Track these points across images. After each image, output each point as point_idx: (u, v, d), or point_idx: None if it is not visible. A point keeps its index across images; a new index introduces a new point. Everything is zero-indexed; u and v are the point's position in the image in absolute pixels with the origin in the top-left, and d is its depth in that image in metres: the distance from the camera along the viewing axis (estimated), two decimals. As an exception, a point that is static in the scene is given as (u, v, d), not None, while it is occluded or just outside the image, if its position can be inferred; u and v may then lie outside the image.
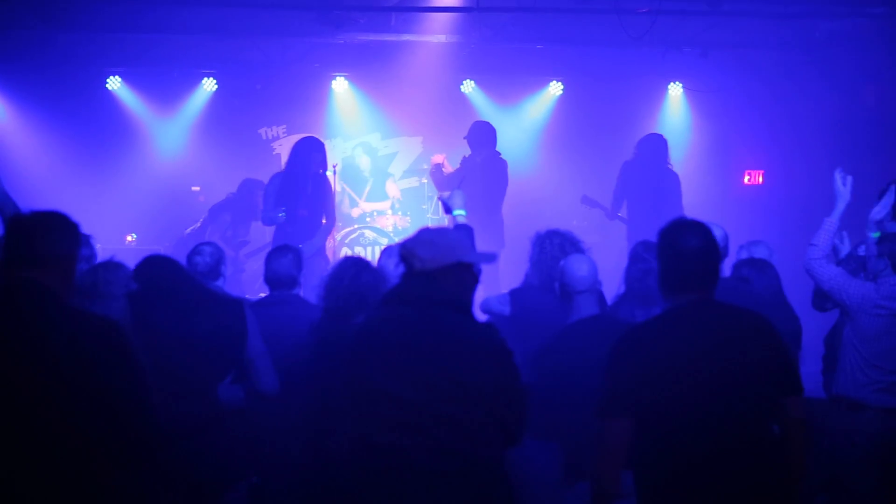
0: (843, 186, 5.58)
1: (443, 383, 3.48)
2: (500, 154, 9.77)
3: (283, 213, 8.45)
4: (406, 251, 3.68)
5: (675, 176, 10.27)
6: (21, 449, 3.04)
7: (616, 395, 3.64)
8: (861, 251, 5.71)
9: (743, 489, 3.57)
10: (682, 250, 3.73)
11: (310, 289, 5.51)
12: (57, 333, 3.12)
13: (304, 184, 8.63)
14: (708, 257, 3.76)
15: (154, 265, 4.51)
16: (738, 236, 6.23)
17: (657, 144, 10.23)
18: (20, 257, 3.23)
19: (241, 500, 4.42)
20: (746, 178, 11.95)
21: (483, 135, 9.73)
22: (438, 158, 9.88)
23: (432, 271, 3.62)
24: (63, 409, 3.07)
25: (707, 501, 3.57)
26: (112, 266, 4.21)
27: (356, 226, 11.53)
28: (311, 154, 8.68)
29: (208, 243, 5.96)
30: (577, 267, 4.81)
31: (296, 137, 11.63)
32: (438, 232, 3.85)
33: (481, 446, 3.51)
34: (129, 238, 9.88)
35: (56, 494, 3.06)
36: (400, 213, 11.50)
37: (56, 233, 3.28)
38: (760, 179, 11.91)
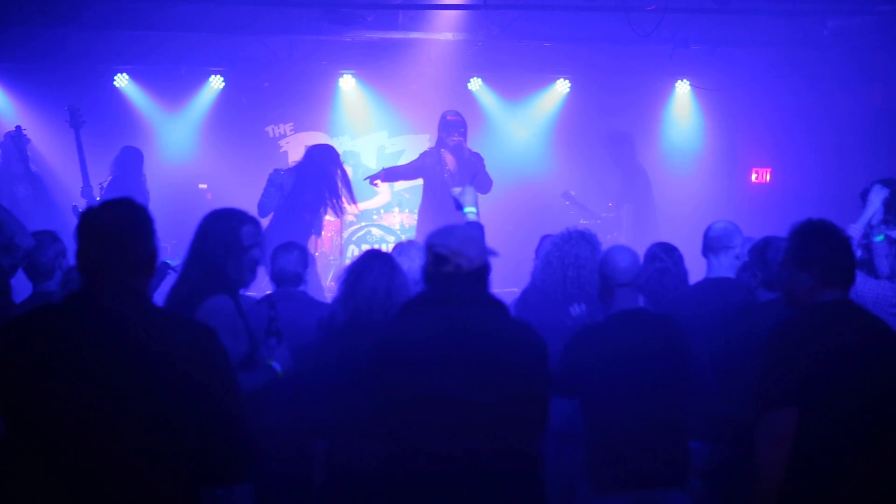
0: (875, 197, 5.61)
1: (505, 382, 3.41)
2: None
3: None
4: (451, 251, 3.56)
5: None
6: (117, 465, 2.87)
7: (784, 384, 3.57)
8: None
9: (884, 486, 3.60)
10: (837, 243, 3.75)
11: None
12: (155, 341, 2.93)
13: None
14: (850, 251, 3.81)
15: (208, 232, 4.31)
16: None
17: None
18: (114, 263, 2.97)
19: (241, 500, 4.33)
20: (754, 177, 11.95)
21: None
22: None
23: (477, 269, 3.56)
24: (158, 420, 2.89)
25: (855, 495, 3.58)
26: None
27: (363, 223, 11.53)
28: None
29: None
30: (619, 258, 4.59)
31: (303, 135, 11.71)
32: (468, 228, 3.74)
33: (535, 444, 3.46)
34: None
35: None
36: (407, 210, 11.50)
37: (150, 238, 3.06)
38: (768, 178, 11.91)
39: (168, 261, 6.40)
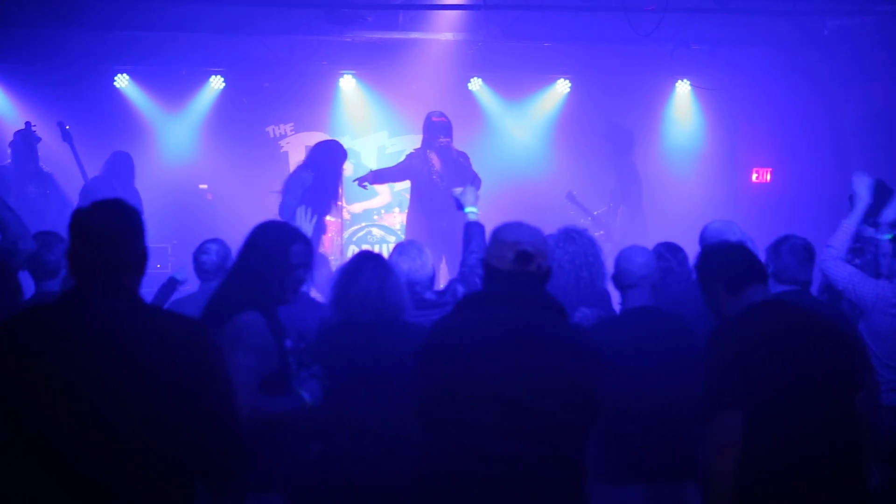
0: (862, 189, 5.61)
1: (563, 389, 3.30)
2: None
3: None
4: (537, 250, 3.43)
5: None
6: (112, 463, 2.86)
7: (724, 387, 3.58)
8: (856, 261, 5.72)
9: (829, 475, 3.60)
10: (726, 252, 3.98)
11: None
12: (149, 339, 2.93)
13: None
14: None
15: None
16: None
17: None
18: (107, 262, 2.98)
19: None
20: (754, 176, 11.95)
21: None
22: None
23: (549, 270, 3.48)
24: (153, 417, 2.89)
25: (801, 489, 3.58)
26: None
27: (363, 223, 11.54)
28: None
29: (214, 240, 5.84)
30: (627, 259, 4.61)
31: (303, 135, 11.71)
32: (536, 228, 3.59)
33: (582, 453, 3.36)
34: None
35: None
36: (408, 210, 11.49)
37: (141, 237, 3.08)
38: (768, 177, 11.92)
39: (175, 275, 6.39)
